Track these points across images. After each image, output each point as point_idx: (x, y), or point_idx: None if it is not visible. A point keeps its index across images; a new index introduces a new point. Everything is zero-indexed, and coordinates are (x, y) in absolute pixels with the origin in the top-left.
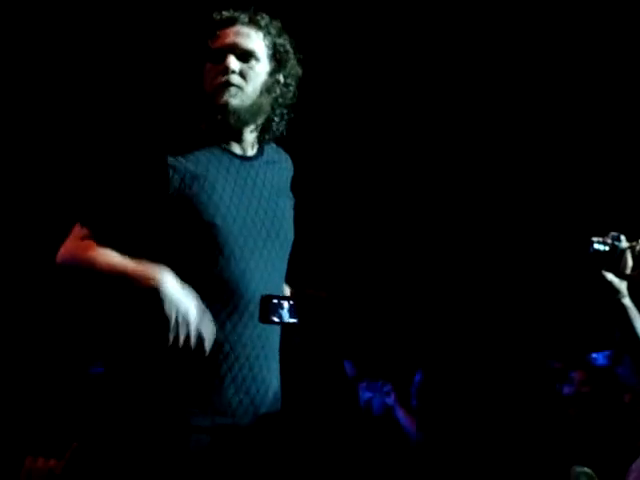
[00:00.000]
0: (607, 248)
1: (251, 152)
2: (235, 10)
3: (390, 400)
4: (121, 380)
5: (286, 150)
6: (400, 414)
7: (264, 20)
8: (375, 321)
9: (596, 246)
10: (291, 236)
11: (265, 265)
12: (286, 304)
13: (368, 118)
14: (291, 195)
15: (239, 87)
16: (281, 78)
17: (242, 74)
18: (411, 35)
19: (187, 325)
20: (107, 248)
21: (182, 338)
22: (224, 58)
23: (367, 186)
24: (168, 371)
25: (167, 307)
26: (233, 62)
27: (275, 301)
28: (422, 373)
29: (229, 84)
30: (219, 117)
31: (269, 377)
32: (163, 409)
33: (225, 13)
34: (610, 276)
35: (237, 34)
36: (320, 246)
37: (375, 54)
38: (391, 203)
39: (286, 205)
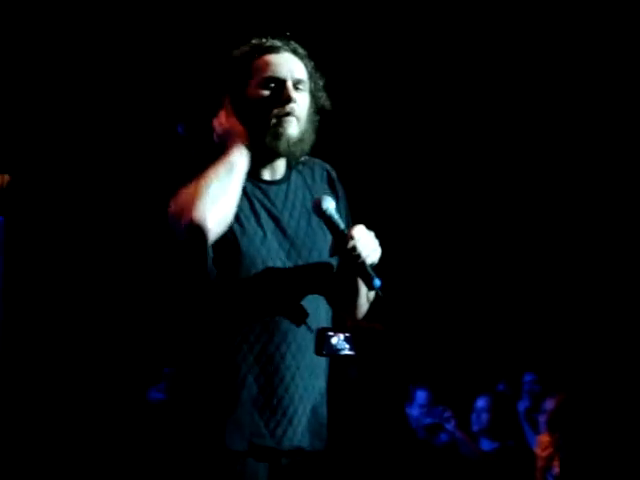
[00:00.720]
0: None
1: (279, 175)
2: (272, 37)
3: (450, 426)
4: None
5: None
6: (461, 439)
7: (303, 50)
8: (431, 349)
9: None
10: (326, 253)
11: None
12: (342, 336)
13: (370, 124)
14: (335, 193)
15: (298, 118)
16: (315, 108)
17: (299, 104)
18: (413, 37)
19: None
20: None
21: None
22: (282, 87)
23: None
24: (204, 394)
25: None
26: (293, 92)
27: (330, 333)
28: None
29: (291, 114)
30: (273, 145)
31: (308, 396)
32: (200, 432)
33: (272, 40)
34: None
35: (288, 62)
36: None
37: (377, 55)
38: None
39: (319, 223)
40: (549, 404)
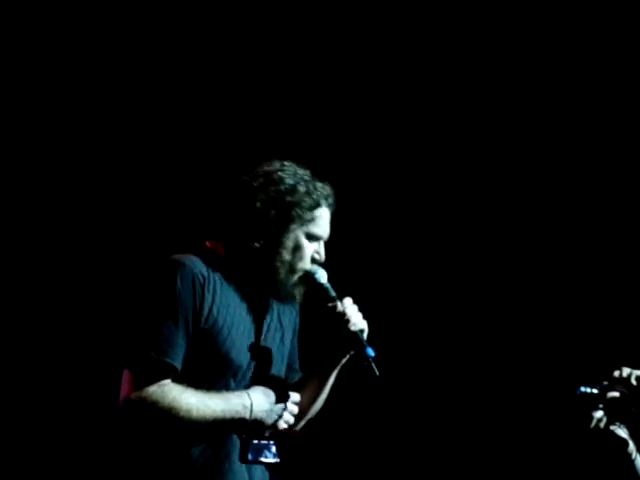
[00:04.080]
0: (595, 391)
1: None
2: (331, 189)
3: None
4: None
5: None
6: None
7: None
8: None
9: (583, 389)
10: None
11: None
12: (266, 443)
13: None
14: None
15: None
16: None
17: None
18: (412, 38)
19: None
20: (174, 389)
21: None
22: (318, 243)
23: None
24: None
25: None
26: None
27: (255, 441)
28: None
29: (310, 264)
30: (282, 292)
31: None
32: None
33: (331, 197)
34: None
35: (328, 224)
36: None
37: (376, 56)
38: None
39: (291, 337)
40: None
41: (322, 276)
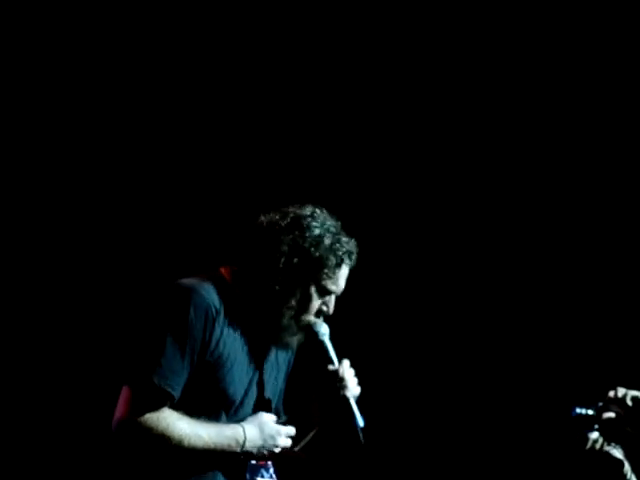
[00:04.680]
0: (591, 412)
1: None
2: (355, 247)
3: None
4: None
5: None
6: None
7: None
8: None
9: (578, 410)
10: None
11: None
12: (264, 464)
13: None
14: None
15: None
16: None
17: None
18: (411, 37)
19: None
20: (169, 417)
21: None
22: (329, 297)
23: None
24: None
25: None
26: (332, 307)
27: (253, 462)
28: None
29: (314, 318)
30: (282, 339)
31: None
32: None
33: (354, 255)
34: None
35: (344, 280)
36: None
37: (375, 56)
38: None
39: (284, 377)
40: None
41: (325, 334)
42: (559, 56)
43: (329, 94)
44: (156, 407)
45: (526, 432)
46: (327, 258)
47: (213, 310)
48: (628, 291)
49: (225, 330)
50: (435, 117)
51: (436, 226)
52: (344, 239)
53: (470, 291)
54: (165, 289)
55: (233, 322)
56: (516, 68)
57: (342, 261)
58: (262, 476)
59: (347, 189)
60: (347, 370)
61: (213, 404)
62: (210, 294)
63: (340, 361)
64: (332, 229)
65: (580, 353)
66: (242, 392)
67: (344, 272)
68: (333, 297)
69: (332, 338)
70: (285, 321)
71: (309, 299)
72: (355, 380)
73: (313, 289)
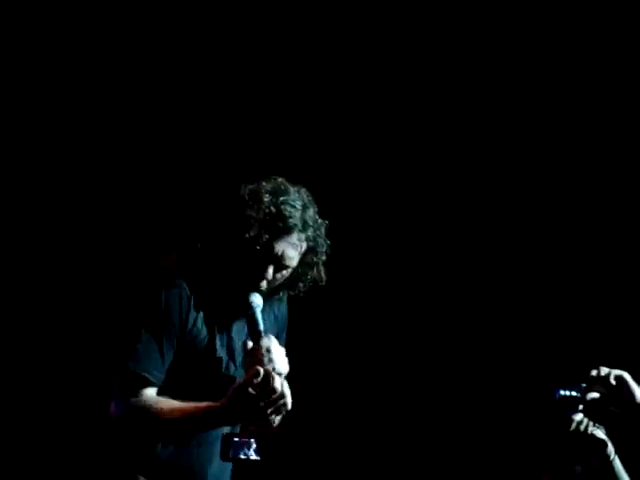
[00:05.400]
0: (575, 393)
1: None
2: (301, 209)
3: None
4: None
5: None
6: None
7: (311, 219)
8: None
9: (562, 392)
10: None
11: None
12: (247, 441)
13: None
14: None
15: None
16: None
17: (274, 279)
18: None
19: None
20: (150, 399)
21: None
22: (267, 267)
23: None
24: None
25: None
26: (270, 274)
27: (236, 439)
28: None
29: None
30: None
31: None
32: None
33: (294, 221)
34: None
35: (289, 246)
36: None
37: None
38: None
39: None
40: None
41: (258, 305)
42: (559, 56)
43: (322, 90)
44: (134, 392)
45: (510, 415)
46: (272, 222)
47: (186, 292)
48: (608, 277)
49: (199, 307)
50: (432, 113)
51: (430, 222)
52: (289, 208)
53: (452, 277)
54: (139, 276)
55: (203, 298)
56: (516, 68)
57: (292, 229)
58: (246, 454)
59: (345, 187)
60: (274, 345)
61: (196, 383)
62: (181, 277)
63: (267, 335)
64: (281, 196)
65: (560, 336)
66: (224, 362)
67: (290, 239)
68: (271, 269)
69: (332, 337)
70: (238, 287)
71: (254, 265)
72: (282, 358)
73: (258, 254)
